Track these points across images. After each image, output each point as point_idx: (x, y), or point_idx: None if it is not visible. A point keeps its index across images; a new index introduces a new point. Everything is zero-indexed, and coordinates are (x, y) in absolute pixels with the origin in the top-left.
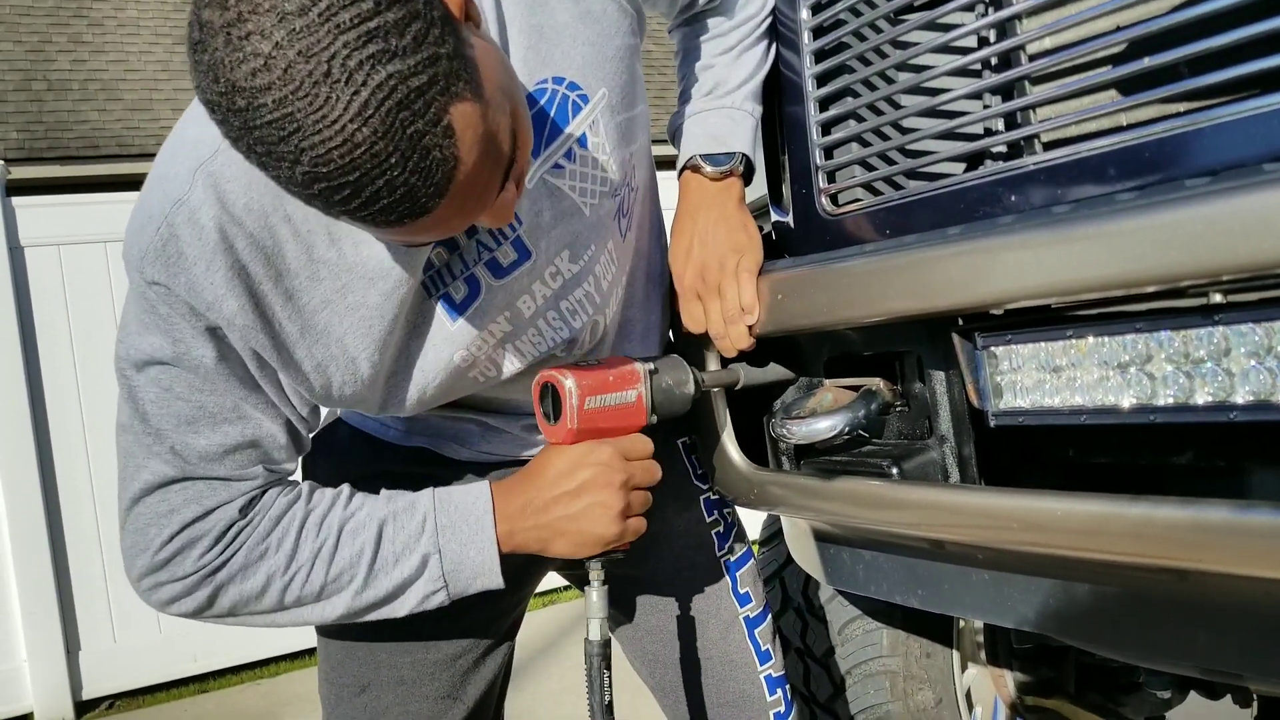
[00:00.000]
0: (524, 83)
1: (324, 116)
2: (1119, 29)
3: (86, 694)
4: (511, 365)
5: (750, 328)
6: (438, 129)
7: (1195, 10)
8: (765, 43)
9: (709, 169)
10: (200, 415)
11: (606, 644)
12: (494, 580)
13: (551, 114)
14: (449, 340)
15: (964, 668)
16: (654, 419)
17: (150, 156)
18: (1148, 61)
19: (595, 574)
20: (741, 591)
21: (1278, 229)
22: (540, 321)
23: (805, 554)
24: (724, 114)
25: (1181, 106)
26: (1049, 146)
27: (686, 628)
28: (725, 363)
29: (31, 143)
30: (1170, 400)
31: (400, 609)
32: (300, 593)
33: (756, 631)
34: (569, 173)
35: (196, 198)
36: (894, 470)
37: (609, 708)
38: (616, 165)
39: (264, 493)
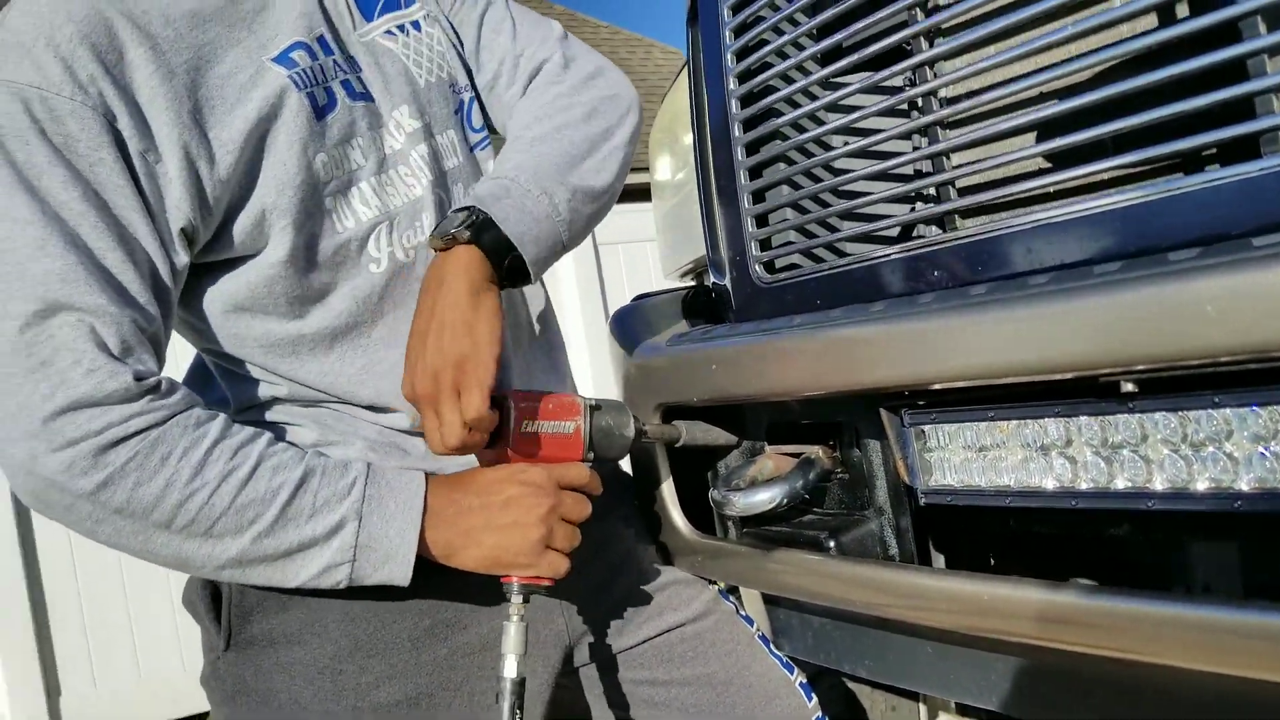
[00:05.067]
0: None
1: None
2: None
3: None
4: (365, 209)
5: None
6: None
7: (1116, 87)
8: (586, 111)
9: (435, 238)
10: (50, 235)
11: (521, 682)
12: (401, 571)
13: None
14: (313, 136)
15: (933, 718)
16: (591, 455)
17: None
18: (1060, 142)
19: (515, 604)
20: (743, 614)
21: (1184, 322)
22: (392, 171)
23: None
24: (493, 183)
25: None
26: (969, 215)
27: (720, 667)
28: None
29: None
30: (1090, 485)
31: (292, 577)
32: (195, 514)
33: (771, 646)
34: (402, 42)
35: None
36: (831, 544)
37: None
38: (454, 65)
39: (168, 387)
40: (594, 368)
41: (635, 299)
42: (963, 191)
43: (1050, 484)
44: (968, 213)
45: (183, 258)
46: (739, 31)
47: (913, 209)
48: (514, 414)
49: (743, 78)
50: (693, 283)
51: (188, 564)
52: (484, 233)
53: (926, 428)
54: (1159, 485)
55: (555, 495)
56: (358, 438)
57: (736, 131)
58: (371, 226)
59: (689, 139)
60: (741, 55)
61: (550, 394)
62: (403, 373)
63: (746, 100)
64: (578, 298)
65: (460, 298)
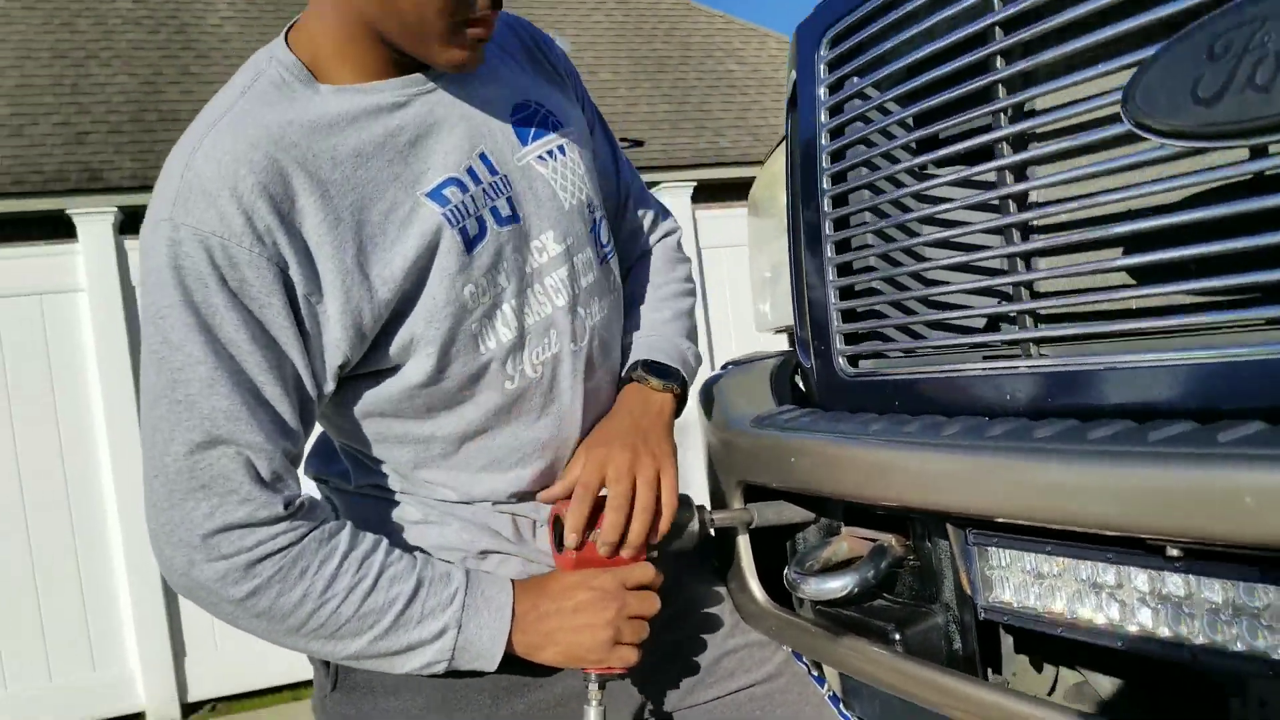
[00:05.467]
0: (516, 94)
1: None
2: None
3: (192, 696)
4: (506, 330)
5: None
6: None
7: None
8: (693, 300)
9: (654, 380)
10: (223, 367)
11: None
12: (489, 665)
13: (536, 122)
14: (462, 269)
15: None
16: (654, 554)
17: None
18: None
19: (592, 691)
20: (815, 675)
21: (1223, 508)
22: (529, 291)
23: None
24: (669, 342)
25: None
26: (1047, 341)
27: None
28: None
29: (144, 172)
30: (1136, 630)
31: (399, 668)
32: (325, 620)
33: (840, 706)
34: (551, 167)
35: (209, 143)
36: (896, 637)
37: None
38: (590, 186)
39: (309, 505)
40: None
41: (725, 365)
42: (1037, 295)
43: (1101, 620)
44: (1045, 335)
45: (331, 386)
46: (833, 111)
47: (998, 302)
48: None
49: (834, 157)
50: (785, 344)
51: (311, 654)
52: (680, 388)
53: (989, 548)
54: (1200, 640)
55: (622, 598)
56: (455, 519)
57: (827, 229)
58: (509, 348)
59: (783, 200)
60: (834, 135)
61: None
62: (574, 460)
63: (837, 179)
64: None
65: (663, 437)
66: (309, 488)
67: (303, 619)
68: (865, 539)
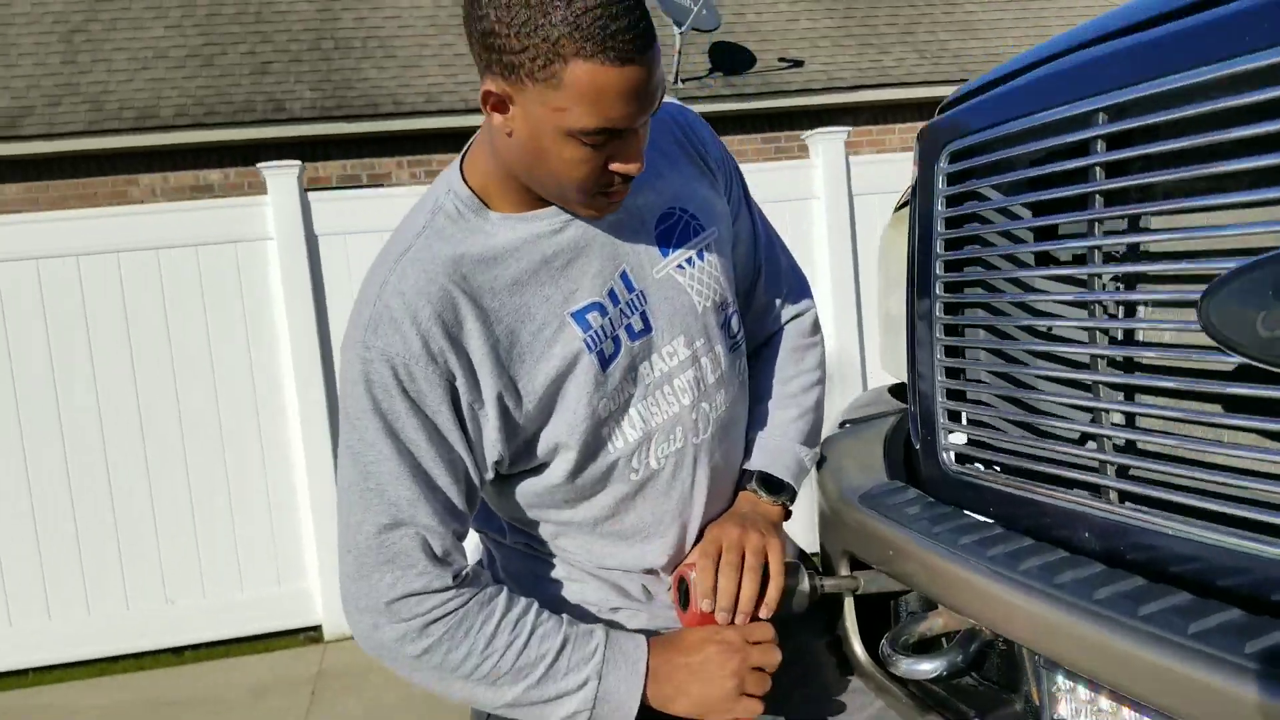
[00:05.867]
0: (664, 202)
1: None
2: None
3: None
4: (633, 431)
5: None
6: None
7: None
8: (821, 388)
9: (767, 497)
10: (404, 464)
11: None
12: (628, 716)
13: (678, 229)
14: (598, 386)
15: None
16: (787, 610)
17: (419, 114)
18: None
19: None
20: None
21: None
22: (657, 393)
23: None
24: (788, 451)
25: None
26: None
27: None
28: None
29: (322, 101)
30: None
31: (548, 714)
32: (487, 671)
33: None
34: (689, 274)
35: (396, 278)
36: None
37: None
38: (725, 286)
39: (473, 575)
40: (837, 323)
41: (843, 424)
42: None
43: None
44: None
45: (491, 475)
46: (950, 203)
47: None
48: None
49: (949, 245)
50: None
51: (476, 703)
52: (790, 501)
53: (1056, 673)
54: None
55: (744, 650)
56: (592, 579)
57: (938, 332)
58: (636, 445)
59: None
60: (950, 225)
61: None
62: (703, 537)
63: (949, 308)
64: (827, 250)
65: (771, 529)
66: (472, 538)
67: (469, 671)
68: (961, 617)
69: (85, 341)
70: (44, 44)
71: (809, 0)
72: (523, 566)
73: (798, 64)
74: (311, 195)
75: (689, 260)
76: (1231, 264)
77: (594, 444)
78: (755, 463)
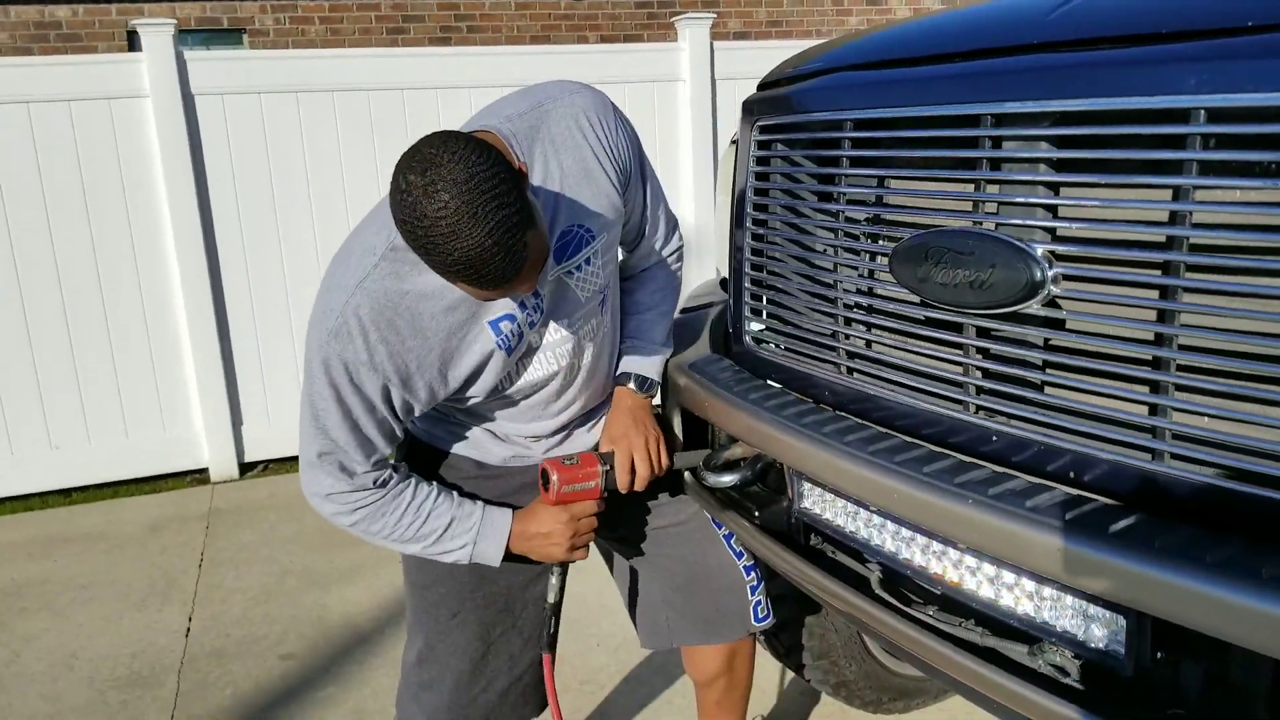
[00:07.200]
0: (562, 221)
1: (470, 234)
2: None
3: (248, 458)
4: (531, 375)
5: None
6: (523, 241)
7: None
8: (676, 299)
9: (641, 393)
10: (345, 423)
11: (557, 605)
12: (494, 564)
13: (573, 243)
14: (504, 365)
15: None
16: (606, 494)
17: None
18: None
19: (555, 572)
20: (717, 522)
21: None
22: (549, 352)
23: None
24: (653, 353)
25: None
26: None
27: (692, 545)
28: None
29: None
30: (863, 537)
31: (443, 560)
32: (397, 538)
33: (731, 543)
34: (575, 279)
35: (355, 301)
36: (755, 514)
37: (553, 638)
38: (604, 278)
39: (391, 477)
40: (696, 200)
41: (683, 311)
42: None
43: (849, 528)
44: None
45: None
46: (759, 161)
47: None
48: (557, 481)
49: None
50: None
51: (395, 550)
52: (656, 392)
53: (801, 480)
54: (888, 548)
55: (576, 525)
56: (491, 441)
57: (747, 253)
58: (533, 384)
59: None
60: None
61: (582, 462)
62: (606, 428)
63: (758, 207)
64: (690, 130)
65: (648, 417)
66: None
67: (384, 537)
68: (749, 445)
69: None
70: None
71: None
72: (426, 428)
73: None
74: (188, 54)
75: (578, 267)
76: (913, 232)
77: (500, 389)
78: (630, 366)
